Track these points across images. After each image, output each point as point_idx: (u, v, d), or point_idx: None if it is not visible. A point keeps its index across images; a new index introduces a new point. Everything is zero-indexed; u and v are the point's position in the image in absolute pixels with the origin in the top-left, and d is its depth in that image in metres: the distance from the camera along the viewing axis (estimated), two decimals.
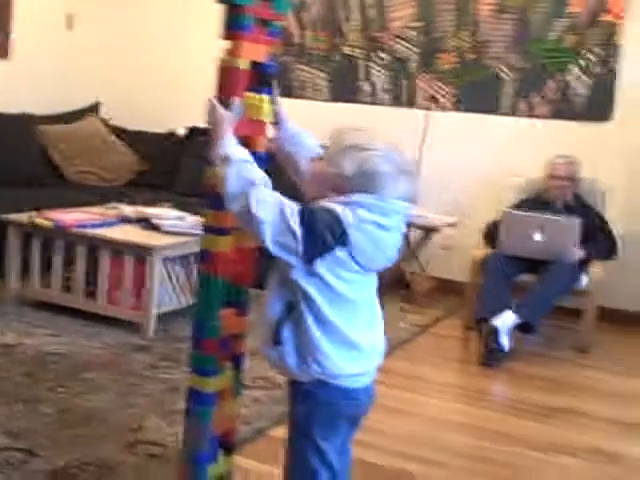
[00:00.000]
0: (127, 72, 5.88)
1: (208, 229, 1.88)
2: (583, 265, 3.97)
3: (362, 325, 1.69)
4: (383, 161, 1.62)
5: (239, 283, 1.97)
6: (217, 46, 1.94)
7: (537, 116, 4.81)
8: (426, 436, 2.82)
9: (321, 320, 1.61)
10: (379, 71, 5.21)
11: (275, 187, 1.70)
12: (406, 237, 4.79)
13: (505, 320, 3.71)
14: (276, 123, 1.98)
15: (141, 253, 3.51)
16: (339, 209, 1.59)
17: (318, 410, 1.67)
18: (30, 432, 2.47)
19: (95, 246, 3.63)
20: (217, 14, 1.88)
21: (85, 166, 5.22)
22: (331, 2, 5.30)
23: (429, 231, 4.68)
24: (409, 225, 4.65)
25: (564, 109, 4.75)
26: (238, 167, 1.65)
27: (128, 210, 3.99)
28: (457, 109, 5.01)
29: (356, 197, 1.60)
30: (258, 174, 1.67)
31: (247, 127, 1.90)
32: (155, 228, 3.75)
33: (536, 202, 4.28)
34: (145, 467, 2.33)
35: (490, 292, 3.86)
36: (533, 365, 3.76)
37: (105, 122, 5.62)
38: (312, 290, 1.60)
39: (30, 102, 5.19)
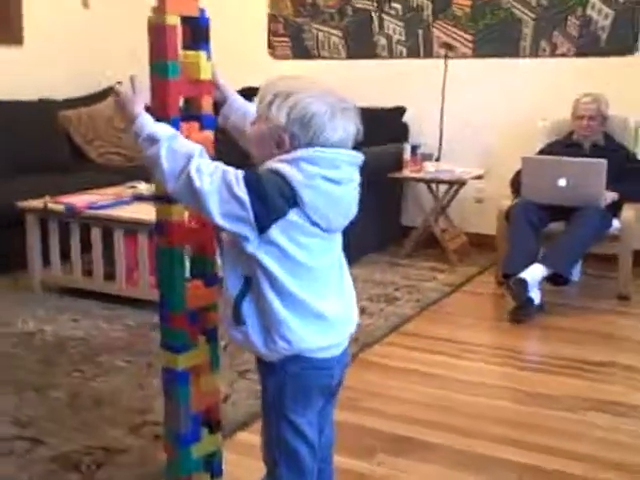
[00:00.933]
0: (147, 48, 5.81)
1: (160, 198, 1.80)
2: (615, 208, 3.78)
3: (328, 293, 1.58)
4: (314, 101, 1.50)
5: (202, 253, 1.89)
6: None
7: (560, 55, 4.58)
8: (459, 401, 2.69)
9: (282, 293, 1.52)
10: (393, 23, 5.04)
11: (228, 157, 1.60)
12: (433, 192, 4.66)
13: (533, 273, 3.55)
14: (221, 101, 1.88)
15: (153, 231, 3.46)
16: (285, 168, 1.48)
17: (288, 384, 1.58)
18: (38, 419, 2.47)
19: (110, 227, 3.61)
20: None
21: (108, 147, 5.21)
22: None
23: (457, 185, 4.53)
24: (435, 180, 4.53)
25: (587, 45, 4.50)
26: (168, 143, 1.55)
27: (144, 188, 3.96)
28: (476, 55, 4.81)
29: (300, 152, 1.50)
30: (191, 146, 1.56)
31: (189, 88, 1.80)
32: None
33: (564, 145, 4.09)
34: (150, 449, 2.30)
35: (517, 244, 3.70)
36: (569, 318, 3.59)
37: None
38: (269, 261, 1.50)
39: (49, 87, 5.19)
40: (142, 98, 1.67)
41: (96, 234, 3.63)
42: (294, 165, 1.48)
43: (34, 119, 4.92)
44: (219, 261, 1.72)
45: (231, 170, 1.49)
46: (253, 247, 1.50)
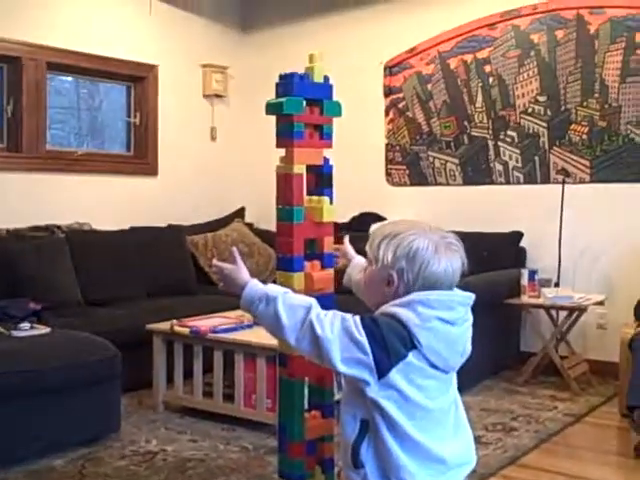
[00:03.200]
0: (270, 176, 6.14)
1: None
2: None
3: (445, 435, 1.60)
4: (417, 237, 1.59)
5: (321, 385, 1.95)
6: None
7: None
8: None
9: (401, 436, 1.54)
10: (509, 150, 5.13)
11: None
12: (552, 318, 4.58)
13: None
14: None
15: (272, 355, 3.57)
16: (401, 311, 1.55)
17: None
18: None
19: (231, 350, 3.74)
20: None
21: None
22: (455, 88, 5.32)
23: (577, 311, 4.44)
24: (554, 307, 4.46)
25: None
26: (283, 298, 1.62)
27: None
28: (593, 180, 4.80)
29: (414, 295, 1.56)
30: (305, 297, 1.66)
31: (312, 230, 1.92)
32: None
33: None
34: None
35: None
36: None
37: (250, 226, 5.88)
38: (389, 405, 1.54)
39: (178, 214, 5.54)
40: (243, 267, 1.76)
41: (218, 357, 3.77)
42: (410, 308, 1.54)
43: (163, 244, 5.24)
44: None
45: (348, 316, 1.57)
46: (373, 392, 1.53)
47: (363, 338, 1.51)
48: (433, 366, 1.55)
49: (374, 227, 1.74)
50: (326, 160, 2.04)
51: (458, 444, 1.63)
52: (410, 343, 1.52)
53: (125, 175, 5.43)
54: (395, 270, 1.58)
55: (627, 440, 3.54)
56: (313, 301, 1.63)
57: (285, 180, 1.90)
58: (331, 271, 2.00)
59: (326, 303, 1.97)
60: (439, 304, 1.55)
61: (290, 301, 1.61)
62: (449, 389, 1.63)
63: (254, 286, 1.68)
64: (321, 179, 2.01)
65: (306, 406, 1.99)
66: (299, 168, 1.89)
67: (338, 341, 1.52)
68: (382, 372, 1.51)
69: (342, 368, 1.53)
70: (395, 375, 1.52)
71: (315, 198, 2.00)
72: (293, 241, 1.91)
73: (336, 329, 1.54)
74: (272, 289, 1.66)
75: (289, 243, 1.92)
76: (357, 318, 1.55)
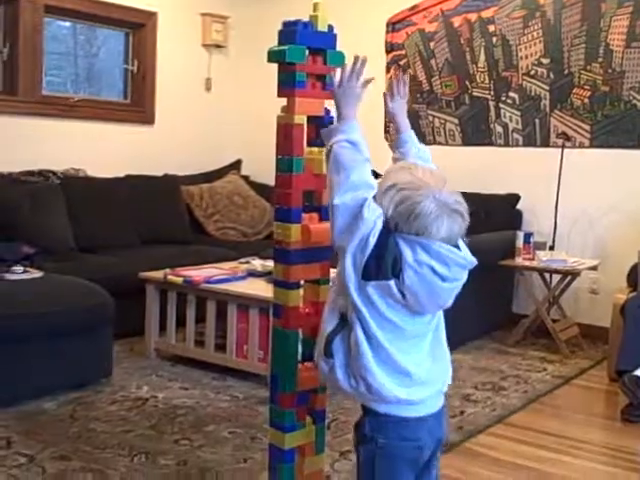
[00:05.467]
0: (267, 128, 6.08)
1: (278, 283, 1.89)
2: None
3: (417, 354, 1.62)
4: (424, 200, 1.54)
5: (314, 337, 1.95)
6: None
7: None
8: None
9: (371, 339, 1.58)
10: (510, 112, 5.09)
11: None
12: (545, 282, 4.59)
13: None
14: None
15: (265, 306, 3.58)
16: (404, 246, 1.55)
17: (377, 455, 1.62)
18: None
19: (224, 301, 3.74)
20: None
21: (225, 222, 5.43)
22: (457, 47, 5.26)
23: (570, 275, 4.45)
24: (548, 270, 4.47)
25: None
26: (364, 165, 1.68)
27: (257, 264, 4.10)
28: (593, 145, 4.78)
29: (420, 238, 1.55)
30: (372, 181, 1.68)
31: (311, 182, 1.91)
32: None
33: None
34: None
35: (632, 340, 3.58)
36: None
37: (246, 179, 5.85)
38: (365, 311, 1.58)
39: (174, 164, 5.51)
40: (356, 96, 1.76)
41: (211, 307, 3.78)
42: (410, 246, 1.54)
43: (158, 193, 5.22)
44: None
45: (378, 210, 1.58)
46: (350, 281, 1.57)
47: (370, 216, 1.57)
48: (405, 304, 1.57)
49: (393, 167, 1.72)
50: (327, 111, 2.02)
51: (430, 365, 1.65)
52: (395, 274, 1.54)
53: (121, 123, 5.38)
54: (392, 222, 1.57)
55: (614, 403, 3.58)
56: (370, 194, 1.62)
57: (285, 130, 1.87)
58: (328, 224, 1.98)
59: (323, 256, 1.97)
60: (437, 256, 1.54)
61: (364, 171, 1.66)
62: (425, 319, 1.64)
63: (355, 124, 1.72)
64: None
65: (299, 357, 1.99)
66: (300, 118, 1.87)
67: (350, 192, 1.60)
68: (363, 276, 1.55)
69: (339, 206, 1.60)
70: (371, 289, 1.55)
71: (315, 149, 1.97)
72: (292, 192, 1.90)
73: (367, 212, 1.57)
74: (365, 148, 1.71)
75: (287, 194, 1.91)
76: (374, 205, 1.58)
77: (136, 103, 5.55)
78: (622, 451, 3.07)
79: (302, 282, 1.98)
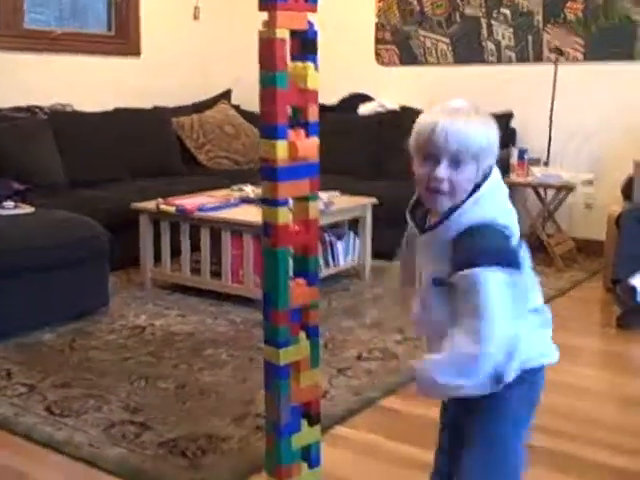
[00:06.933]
0: (257, 57, 5.99)
1: (267, 202, 1.87)
2: None
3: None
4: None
5: (305, 254, 1.95)
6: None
7: None
8: (564, 406, 2.63)
9: None
10: (502, 28, 4.99)
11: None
12: (540, 197, 4.58)
13: None
14: None
15: (259, 232, 3.56)
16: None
17: (510, 408, 1.51)
18: (147, 407, 2.59)
19: (218, 228, 3.73)
20: None
21: (217, 152, 5.39)
22: None
23: (564, 190, 4.44)
24: (542, 185, 4.45)
25: None
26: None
27: (250, 190, 4.08)
28: (587, 59, 4.70)
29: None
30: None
31: (296, 97, 1.86)
32: None
33: None
34: (251, 438, 2.37)
35: (626, 250, 3.60)
36: None
37: (236, 108, 5.77)
38: None
39: (163, 95, 5.43)
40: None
41: (205, 234, 3.77)
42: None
43: (149, 126, 5.15)
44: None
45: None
46: None
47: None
48: None
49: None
50: (310, 25, 1.96)
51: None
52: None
53: (106, 55, 5.27)
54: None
55: (610, 312, 3.61)
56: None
57: (268, 45, 1.82)
58: (316, 139, 1.95)
59: (311, 173, 1.94)
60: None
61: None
62: None
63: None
64: (305, 45, 1.93)
65: (290, 274, 1.99)
66: (282, 32, 1.81)
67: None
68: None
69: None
70: None
71: (299, 64, 1.92)
72: (276, 108, 1.86)
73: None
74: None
75: (272, 110, 1.86)
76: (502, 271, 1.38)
77: (121, 34, 5.44)
78: (618, 356, 3.11)
79: (291, 200, 1.97)
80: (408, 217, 1.57)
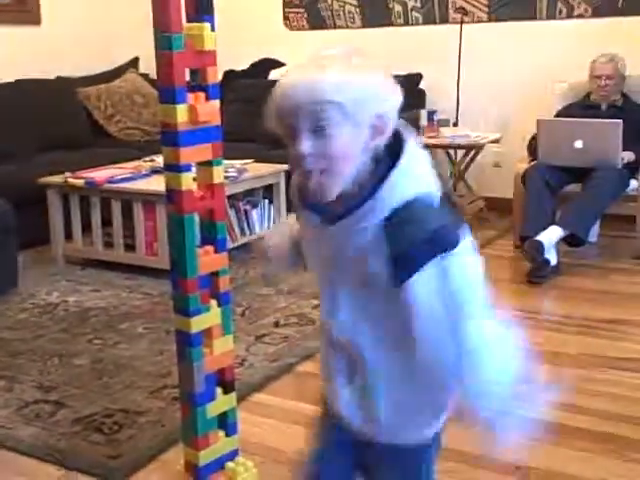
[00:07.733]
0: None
1: (169, 168, 1.84)
2: (633, 168, 3.75)
3: None
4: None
5: (212, 220, 1.93)
6: None
7: (577, 17, 4.53)
8: None
9: None
10: None
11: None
12: (450, 158, 4.66)
13: (550, 234, 3.54)
14: None
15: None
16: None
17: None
18: (62, 384, 2.55)
19: (129, 200, 3.67)
20: None
21: (127, 122, 5.27)
22: None
23: (474, 150, 4.52)
24: (452, 146, 4.52)
25: (605, 6, 4.44)
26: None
27: (161, 161, 4.00)
28: (492, 19, 4.78)
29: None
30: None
31: (193, 59, 1.83)
32: None
33: (581, 107, 4.07)
34: (169, 410, 2.36)
35: (533, 207, 3.69)
36: (586, 278, 3.59)
37: (145, 77, 5.64)
38: None
39: (67, 65, 5.25)
40: None
41: (116, 207, 3.70)
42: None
43: (53, 97, 4.99)
44: None
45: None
46: None
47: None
48: None
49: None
50: None
51: None
52: None
53: (4, 24, 5.05)
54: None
55: (520, 269, 3.71)
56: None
57: (162, 5, 1.78)
58: (216, 102, 1.92)
59: (213, 137, 1.92)
60: None
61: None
62: None
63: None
64: (201, 5, 1.89)
65: (197, 242, 1.97)
66: None
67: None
68: None
69: None
70: None
71: (195, 25, 1.89)
72: (173, 71, 1.82)
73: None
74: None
75: (169, 73, 1.82)
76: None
77: (19, 2, 5.22)
78: (528, 311, 3.21)
79: (194, 165, 1.94)
80: (299, 205, 1.22)
